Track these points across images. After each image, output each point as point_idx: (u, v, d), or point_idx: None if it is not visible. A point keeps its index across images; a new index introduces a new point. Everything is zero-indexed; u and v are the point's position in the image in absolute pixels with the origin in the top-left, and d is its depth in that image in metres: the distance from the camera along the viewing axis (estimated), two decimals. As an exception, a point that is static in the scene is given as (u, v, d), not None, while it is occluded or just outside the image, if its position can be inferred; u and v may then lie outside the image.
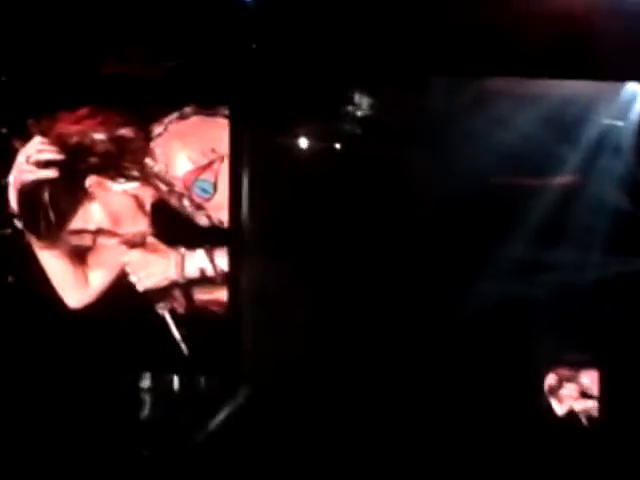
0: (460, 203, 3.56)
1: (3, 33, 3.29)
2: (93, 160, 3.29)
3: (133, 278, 3.35)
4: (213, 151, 3.30)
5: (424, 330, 3.45)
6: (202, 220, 3.36)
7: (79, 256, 3.39)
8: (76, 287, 3.38)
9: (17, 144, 3.31)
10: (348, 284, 3.55)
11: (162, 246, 3.33)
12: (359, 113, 3.77)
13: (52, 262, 3.36)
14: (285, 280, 3.43)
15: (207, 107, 3.30)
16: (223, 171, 3.29)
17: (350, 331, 3.53)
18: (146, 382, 3.88)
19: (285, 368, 3.55)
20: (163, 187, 3.30)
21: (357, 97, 3.76)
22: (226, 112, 3.28)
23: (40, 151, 3.27)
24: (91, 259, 3.39)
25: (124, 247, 3.35)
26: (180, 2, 3.31)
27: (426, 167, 3.60)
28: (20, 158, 3.28)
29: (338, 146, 3.74)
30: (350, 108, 3.77)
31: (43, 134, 3.28)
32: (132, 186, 3.32)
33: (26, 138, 3.29)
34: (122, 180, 3.30)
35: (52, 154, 3.27)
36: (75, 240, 3.33)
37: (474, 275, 3.46)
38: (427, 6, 3.35)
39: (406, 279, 3.52)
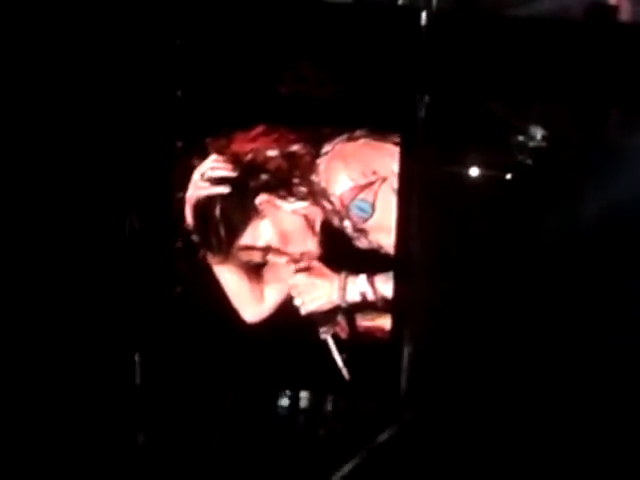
0: (629, 243, 3.47)
1: (181, 50, 3.38)
2: (264, 178, 3.33)
3: (297, 301, 3.38)
4: (374, 173, 3.29)
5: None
6: (362, 243, 3.36)
7: (255, 272, 3.44)
8: (252, 302, 3.43)
9: (195, 162, 3.38)
10: (511, 311, 3.51)
11: (326, 270, 3.35)
12: (532, 144, 3.73)
13: (229, 277, 3.41)
14: (449, 306, 3.41)
15: (378, 132, 3.30)
16: (383, 193, 3.29)
17: (513, 357, 3.49)
18: (305, 402, 3.92)
19: (449, 395, 3.53)
20: (328, 206, 3.32)
21: (531, 128, 3.72)
22: (396, 139, 3.28)
23: (214, 168, 3.33)
24: (266, 275, 3.44)
25: (292, 266, 3.38)
26: (360, 25, 3.32)
27: (597, 202, 3.53)
28: (196, 175, 3.36)
29: (508, 176, 3.70)
30: (523, 138, 3.72)
31: (219, 152, 3.34)
32: (301, 205, 3.35)
33: (204, 156, 3.36)
34: (292, 199, 3.33)
35: (225, 171, 3.32)
36: (245, 256, 3.37)
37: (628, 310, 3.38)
38: (609, 38, 3.28)
39: (564, 309, 3.46)
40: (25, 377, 3.61)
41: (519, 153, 3.73)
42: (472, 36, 3.28)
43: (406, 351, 3.33)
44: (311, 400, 3.84)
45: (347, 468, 3.64)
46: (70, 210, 3.53)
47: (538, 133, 3.75)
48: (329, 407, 3.89)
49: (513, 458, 3.52)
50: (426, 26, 3.22)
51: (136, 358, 3.57)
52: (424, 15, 3.18)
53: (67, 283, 3.55)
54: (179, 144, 3.37)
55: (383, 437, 3.68)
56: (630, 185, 3.50)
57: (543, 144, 3.74)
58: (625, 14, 3.68)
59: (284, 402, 3.84)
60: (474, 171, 3.66)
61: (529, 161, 3.73)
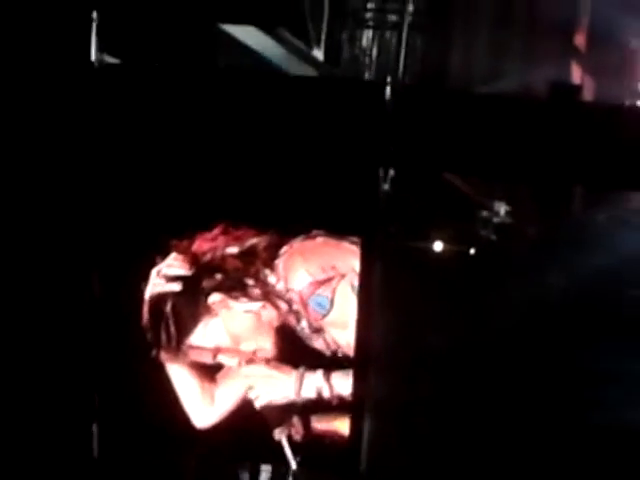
0: (599, 317, 3.48)
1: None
2: (219, 278, 3.33)
3: (252, 394, 3.37)
4: (333, 268, 3.30)
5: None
6: (319, 343, 3.36)
7: (207, 374, 3.43)
8: (203, 404, 3.41)
9: (158, 260, 3.40)
10: (482, 403, 3.49)
11: (284, 366, 3.35)
12: (495, 220, 3.74)
13: (179, 376, 3.40)
14: (410, 405, 3.39)
15: (337, 233, 3.33)
16: (341, 289, 3.30)
17: (481, 451, 3.47)
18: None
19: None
20: (283, 306, 3.32)
21: (495, 203, 3.74)
22: (354, 239, 3.30)
23: (169, 266, 3.35)
24: (219, 377, 3.42)
25: (245, 366, 3.38)
26: (324, 99, 3.34)
27: (560, 277, 3.53)
28: (153, 273, 3.37)
29: (472, 251, 3.71)
30: (486, 214, 3.74)
31: (180, 251, 3.36)
32: (254, 306, 3.35)
33: (166, 255, 3.38)
34: (245, 299, 3.33)
35: (180, 269, 3.34)
36: (195, 356, 3.37)
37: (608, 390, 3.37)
38: (573, 116, 3.31)
39: (538, 395, 3.45)
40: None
41: (483, 228, 3.75)
42: (437, 111, 3.30)
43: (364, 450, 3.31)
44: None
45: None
46: (33, 285, 3.51)
47: (502, 209, 3.77)
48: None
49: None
50: (390, 100, 3.24)
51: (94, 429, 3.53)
52: (388, 89, 3.20)
53: (26, 355, 3.52)
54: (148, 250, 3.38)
55: None
56: (592, 260, 3.52)
57: (507, 219, 3.76)
58: (588, 93, 3.73)
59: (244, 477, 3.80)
60: (438, 246, 3.66)
61: (493, 236, 3.75)
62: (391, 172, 3.30)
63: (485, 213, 3.77)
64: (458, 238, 3.72)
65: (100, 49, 3.30)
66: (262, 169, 3.24)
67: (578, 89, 3.81)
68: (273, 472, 3.85)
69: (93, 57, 3.34)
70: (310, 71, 3.85)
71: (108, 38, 3.30)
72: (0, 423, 3.50)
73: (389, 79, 3.32)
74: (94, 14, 3.26)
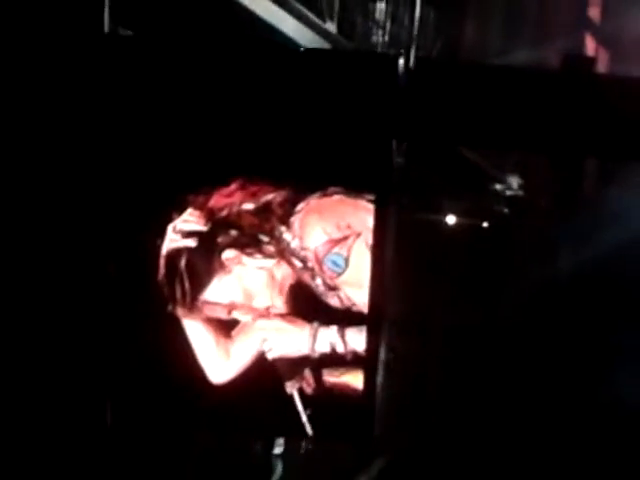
0: (612, 292, 3.48)
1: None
2: (233, 234, 3.33)
3: (266, 346, 3.37)
4: (349, 227, 3.29)
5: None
6: (334, 300, 3.36)
7: (223, 328, 3.43)
8: (218, 359, 3.42)
9: (174, 216, 3.40)
10: (490, 361, 3.50)
11: (299, 320, 3.35)
12: (508, 192, 3.75)
13: (195, 331, 3.40)
14: (421, 360, 3.40)
15: (353, 190, 3.32)
16: (357, 248, 3.29)
17: (490, 409, 3.48)
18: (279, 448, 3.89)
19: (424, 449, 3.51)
20: (298, 264, 3.32)
21: (508, 176, 3.74)
22: (370, 196, 3.29)
23: (185, 221, 3.35)
24: (234, 332, 3.43)
25: (259, 321, 3.38)
26: (337, 71, 3.34)
27: (573, 251, 3.54)
28: (169, 228, 3.37)
29: (485, 224, 3.72)
30: (500, 187, 3.75)
31: (196, 207, 3.36)
32: (268, 263, 3.35)
33: (182, 211, 3.38)
34: (259, 256, 3.32)
35: (195, 225, 3.34)
36: (210, 311, 3.37)
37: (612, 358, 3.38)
38: (586, 88, 3.30)
39: (547, 354, 3.47)
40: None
41: (496, 201, 3.76)
42: (450, 84, 3.30)
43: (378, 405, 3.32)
44: (285, 446, 3.82)
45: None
46: (45, 257, 3.53)
47: (514, 181, 3.77)
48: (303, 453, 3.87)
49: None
50: (403, 73, 3.23)
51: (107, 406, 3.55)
52: (401, 62, 3.20)
53: (39, 326, 3.54)
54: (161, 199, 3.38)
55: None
56: (606, 234, 3.52)
57: (519, 192, 3.77)
58: (602, 65, 3.72)
59: (258, 447, 3.82)
60: (451, 219, 3.67)
61: (505, 209, 3.76)
62: (404, 144, 3.30)
63: (498, 186, 3.77)
64: (471, 211, 3.73)
65: (113, 21, 3.31)
66: (280, 129, 3.24)
67: (592, 61, 3.79)
68: (286, 445, 3.88)
69: (106, 28, 3.36)
70: (323, 43, 3.85)
71: (121, 10, 3.31)
72: (14, 395, 3.53)
73: (402, 52, 3.32)
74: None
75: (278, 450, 3.95)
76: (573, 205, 3.72)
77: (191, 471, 3.79)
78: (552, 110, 3.25)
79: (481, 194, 3.71)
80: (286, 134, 3.23)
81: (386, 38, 3.82)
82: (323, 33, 3.92)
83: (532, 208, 3.77)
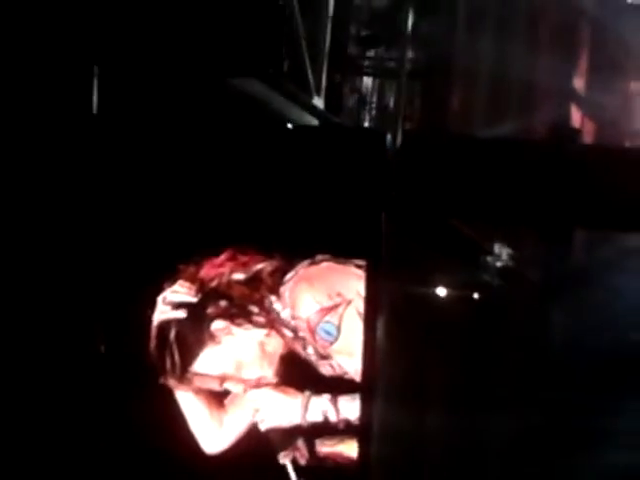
0: (600, 359, 3.48)
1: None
2: (223, 305, 3.35)
3: (258, 417, 3.36)
4: (339, 295, 3.30)
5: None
6: (325, 369, 3.35)
7: (216, 399, 3.42)
8: (212, 429, 3.40)
9: (165, 287, 3.42)
10: (485, 430, 3.49)
11: (290, 390, 3.34)
12: (498, 263, 3.75)
13: (188, 402, 3.39)
14: (416, 431, 3.38)
15: (340, 256, 3.34)
16: (348, 315, 3.30)
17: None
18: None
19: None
20: (288, 334, 3.32)
21: (497, 247, 3.75)
22: (359, 262, 3.30)
23: (175, 292, 3.36)
24: (227, 403, 3.42)
25: (250, 393, 3.38)
26: (326, 146, 3.37)
27: (565, 321, 3.54)
28: (159, 299, 3.39)
29: (475, 295, 3.72)
30: (489, 258, 3.75)
31: (187, 278, 3.38)
32: (258, 333, 3.35)
33: (174, 281, 3.40)
34: (249, 326, 3.34)
35: (185, 296, 3.35)
36: (201, 383, 3.37)
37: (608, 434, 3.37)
38: (573, 158, 3.33)
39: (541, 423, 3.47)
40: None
41: (486, 272, 3.76)
42: (438, 157, 3.32)
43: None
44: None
45: None
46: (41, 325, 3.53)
47: (504, 253, 3.78)
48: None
49: None
50: (391, 147, 3.26)
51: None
52: (388, 137, 3.23)
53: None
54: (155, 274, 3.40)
55: None
56: (597, 301, 3.53)
57: (510, 263, 3.77)
58: (588, 136, 3.76)
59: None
60: (441, 290, 3.67)
61: (496, 280, 3.76)
62: (393, 218, 3.32)
63: (488, 257, 3.78)
64: (461, 282, 3.73)
65: (101, 101, 3.34)
66: (269, 200, 3.27)
67: (578, 132, 3.83)
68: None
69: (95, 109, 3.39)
70: (311, 120, 3.89)
71: (110, 90, 3.34)
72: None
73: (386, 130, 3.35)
74: (95, 68, 3.31)
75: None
76: (563, 277, 3.73)
77: None
78: (540, 181, 3.27)
79: (471, 265, 3.71)
80: (276, 205, 3.27)
81: (373, 112, 3.86)
82: (310, 109, 3.96)
83: (522, 280, 3.77)
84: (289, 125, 3.68)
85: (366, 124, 3.78)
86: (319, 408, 3.28)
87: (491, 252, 3.75)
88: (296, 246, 3.26)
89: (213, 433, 3.38)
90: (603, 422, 3.41)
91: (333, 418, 3.28)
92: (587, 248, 3.70)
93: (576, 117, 3.96)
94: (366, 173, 3.24)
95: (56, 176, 3.38)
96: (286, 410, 3.30)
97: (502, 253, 3.77)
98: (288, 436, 3.32)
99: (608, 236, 3.61)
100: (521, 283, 3.76)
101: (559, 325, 3.61)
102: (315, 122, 3.88)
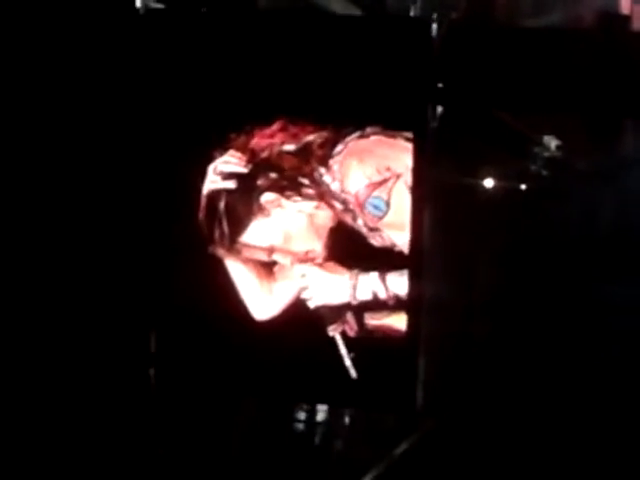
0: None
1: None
2: (273, 177, 3.34)
3: (306, 294, 3.37)
4: (388, 169, 3.27)
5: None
6: (376, 242, 3.34)
7: (266, 269, 3.44)
8: (261, 296, 3.42)
9: (216, 156, 3.42)
10: (526, 314, 3.50)
11: (338, 267, 3.35)
12: (546, 154, 3.72)
13: (238, 271, 3.41)
14: (463, 306, 3.40)
15: (390, 129, 3.31)
16: (397, 190, 3.28)
17: (530, 361, 3.48)
18: (321, 415, 3.91)
19: (468, 402, 3.51)
20: (338, 206, 3.31)
21: (545, 138, 3.71)
22: (408, 135, 3.28)
23: (226, 162, 3.36)
24: (277, 273, 3.43)
25: (299, 265, 3.38)
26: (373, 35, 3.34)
27: (611, 212, 3.53)
28: (210, 169, 3.39)
29: (523, 186, 3.71)
30: (537, 149, 3.72)
31: (238, 148, 3.37)
32: (308, 205, 3.35)
33: (225, 150, 3.40)
34: (298, 199, 3.33)
35: (235, 166, 3.35)
36: (249, 253, 3.39)
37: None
38: (622, 47, 3.28)
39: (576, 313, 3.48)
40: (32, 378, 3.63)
41: (534, 163, 3.74)
42: (484, 47, 3.29)
43: (422, 356, 3.32)
44: (327, 412, 3.84)
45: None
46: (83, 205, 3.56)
47: (552, 143, 3.75)
48: (346, 419, 3.89)
49: (531, 468, 3.50)
50: (437, 37, 3.22)
51: (150, 372, 3.58)
52: (434, 26, 3.19)
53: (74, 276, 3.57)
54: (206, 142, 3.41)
55: (401, 449, 3.68)
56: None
57: (558, 154, 3.74)
58: (637, 23, 3.69)
59: (300, 415, 3.84)
60: (488, 182, 3.66)
61: (544, 171, 3.73)
62: (439, 109, 3.29)
63: (535, 148, 3.75)
64: (509, 174, 3.72)
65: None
66: (320, 73, 3.27)
67: (627, 19, 3.76)
68: (329, 412, 3.89)
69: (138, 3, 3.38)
70: (354, 9, 3.84)
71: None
72: (54, 365, 3.57)
73: (435, 15, 3.31)
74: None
75: (320, 418, 3.96)
76: (613, 167, 3.70)
77: (234, 439, 3.81)
78: (588, 70, 3.23)
79: (518, 157, 3.68)
80: (327, 78, 3.27)
81: (419, 2, 3.80)
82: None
83: (571, 170, 3.74)
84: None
85: (412, 13, 3.73)
86: (368, 286, 3.29)
87: (539, 143, 3.72)
88: (346, 117, 3.26)
89: (263, 300, 3.40)
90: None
91: (382, 295, 3.29)
92: (636, 139, 3.65)
93: (625, 4, 3.88)
94: (411, 62, 3.22)
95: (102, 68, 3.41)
96: (334, 289, 3.31)
97: (550, 144, 3.74)
98: (337, 311, 3.34)
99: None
100: (570, 174, 3.73)
101: (607, 215, 3.59)
102: (358, 12, 3.84)
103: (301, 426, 3.87)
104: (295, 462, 3.78)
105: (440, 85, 3.28)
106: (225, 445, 3.77)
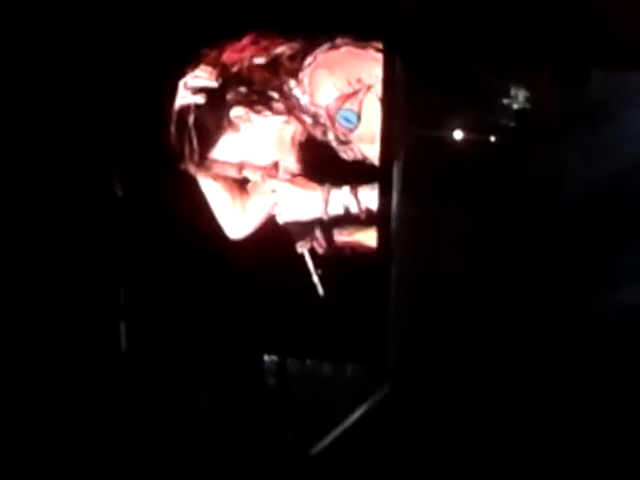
0: (611, 202, 3.46)
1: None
2: (243, 91, 3.32)
3: (276, 210, 3.36)
4: (359, 81, 3.26)
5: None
6: (346, 155, 3.32)
7: (237, 186, 3.43)
8: (235, 215, 3.41)
9: (188, 70, 3.40)
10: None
11: (309, 182, 3.33)
12: (515, 106, 3.72)
13: (211, 188, 3.40)
14: (434, 222, 3.36)
15: (360, 39, 3.29)
16: (368, 102, 3.26)
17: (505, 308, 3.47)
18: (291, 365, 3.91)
19: (439, 337, 3.49)
20: (308, 120, 3.30)
21: (513, 89, 3.71)
22: (378, 45, 3.26)
23: (196, 77, 3.35)
24: (250, 190, 3.42)
25: (270, 181, 3.37)
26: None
27: (579, 162, 3.53)
28: (180, 84, 3.37)
29: (492, 139, 3.70)
30: (505, 100, 3.72)
31: (209, 63, 3.36)
32: (277, 120, 3.34)
33: (196, 66, 3.38)
34: (268, 113, 3.32)
35: (205, 81, 3.34)
36: (220, 170, 3.37)
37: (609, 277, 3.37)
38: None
39: (546, 272, 3.46)
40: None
41: (502, 115, 3.73)
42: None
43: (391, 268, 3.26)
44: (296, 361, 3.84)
45: (332, 435, 3.64)
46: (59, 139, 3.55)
47: (521, 95, 3.75)
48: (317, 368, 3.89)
49: (504, 429, 3.51)
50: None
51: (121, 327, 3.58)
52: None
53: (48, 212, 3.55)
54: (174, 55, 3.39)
55: (370, 402, 3.68)
56: (611, 145, 3.50)
57: (527, 106, 3.74)
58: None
59: (268, 365, 3.85)
60: (457, 133, 3.66)
61: (512, 123, 3.73)
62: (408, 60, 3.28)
63: (504, 99, 3.74)
64: (477, 125, 3.71)
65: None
66: None
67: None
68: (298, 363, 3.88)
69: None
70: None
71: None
72: (23, 320, 3.56)
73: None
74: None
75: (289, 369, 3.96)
76: (580, 119, 3.69)
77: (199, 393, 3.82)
78: (556, 21, 3.23)
79: (487, 108, 3.68)
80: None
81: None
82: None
83: (539, 122, 3.74)
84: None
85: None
86: (340, 201, 3.27)
87: (507, 94, 3.71)
88: (316, 28, 3.23)
89: (236, 218, 3.39)
90: (615, 260, 3.41)
91: (354, 210, 3.28)
92: (603, 89, 3.65)
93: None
94: (378, 10, 3.21)
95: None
96: (306, 204, 3.30)
97: (518, 95, 3.73)
98: (307, 227, 3.33)
99: (625, 77, 3.57)
100: (537, 125, 3.72)
101: (574, 166, 3.59)
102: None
103: (271, 379, 3.87)
104: (263, 416, 3.78)
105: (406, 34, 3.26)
106: (195, 399, 3.77)
